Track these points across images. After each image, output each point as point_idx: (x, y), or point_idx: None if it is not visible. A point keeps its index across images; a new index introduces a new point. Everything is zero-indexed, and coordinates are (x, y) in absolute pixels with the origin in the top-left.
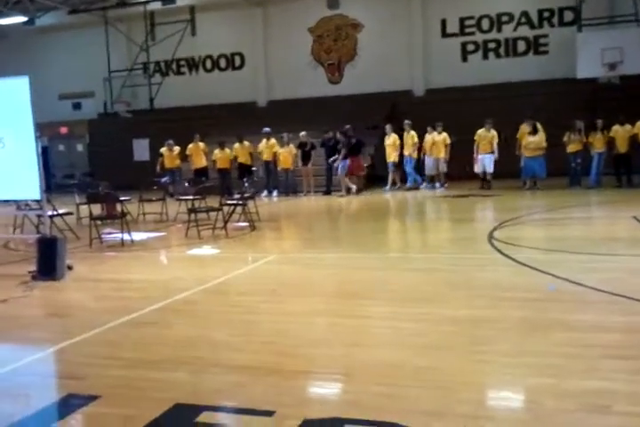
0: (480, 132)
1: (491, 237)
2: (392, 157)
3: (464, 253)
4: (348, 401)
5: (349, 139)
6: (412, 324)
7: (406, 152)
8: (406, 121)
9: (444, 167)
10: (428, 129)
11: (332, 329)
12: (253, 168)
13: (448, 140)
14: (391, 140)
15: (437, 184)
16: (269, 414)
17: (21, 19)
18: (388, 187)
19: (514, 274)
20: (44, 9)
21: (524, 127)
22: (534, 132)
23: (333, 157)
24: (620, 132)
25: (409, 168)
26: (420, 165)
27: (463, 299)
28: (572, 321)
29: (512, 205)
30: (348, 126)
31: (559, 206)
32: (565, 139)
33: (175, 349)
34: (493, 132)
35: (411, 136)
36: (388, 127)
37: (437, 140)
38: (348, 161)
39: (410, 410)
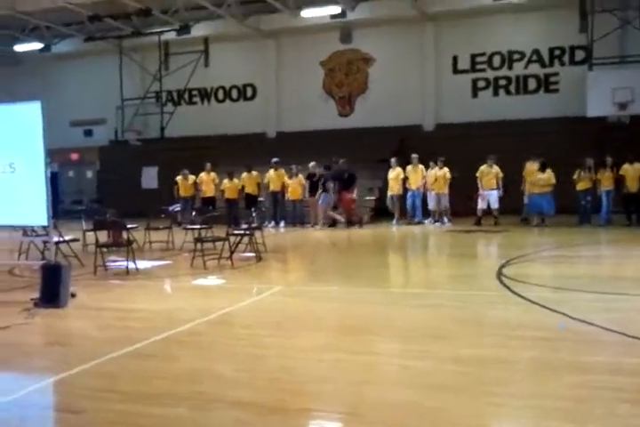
0: (482, 168)
1: (499, 273)
2: (395, 190)
3: (472, 290)
4: None
5: (342, 173)
6: (419, 362)
7: (414, 186)
8: (414, 155)
9: (446, 202)
10: (431, 164)
11: (337, 366)
12: (260, 199)
13: (449, 176)
14: (395, 173)
15: (444, 219)
16: None
17: (38, 45)
18: (395, 221)
19: (523, 312)
20: (60, 36)
21: (530, 164)
22: (543, 169)
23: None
24: (630, 172)
25: (418, 202)
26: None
27: (472, 337)
28: (585, 362)
29: (520, 242)
30: (341, 160)
31: (568, 244)
32: (575, 176)
33: (177, 383)
34: (496, 168)
35: (420, 170)
36: (393, 161)
37: (439, 175)
38: (330, 195)
39: None
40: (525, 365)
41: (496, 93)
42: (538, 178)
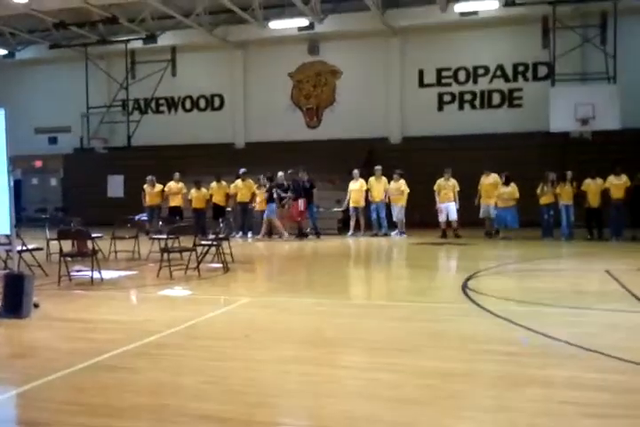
0: (439, 181)
1: (465, 286)
2: (360, 202)
3: (438, 303)
4: None
5: (302, 182)
6: (386, 375)
7: (377, 198)
8: (377, 167)
9: (401, 215)
10: (394, 177)
11: (304, 379)
12: (228, 209)
13: (404, 188)
14: (358, 185)
15: (396, 231)
16: None
17: (2, 52)
18: (351, 232)
19: (489, 326)
20: (25, 43)
21: (485, 178)
22: (507, 182)
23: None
24: (592, 187)
25: (382, 214)
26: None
27: (438, 350)
28: (549, 376)
29: (485, 255)
30: (300, 170)
31: (532, 258)
32: (539, 191)
33: (141, 395)
34: (453, 181)
35: (383, 182)
36: (355, 172)
37: (392, 187)
38: (274, 204)
39: None
40: (489, 378)
41: (461, 107)
42: (502, 192)
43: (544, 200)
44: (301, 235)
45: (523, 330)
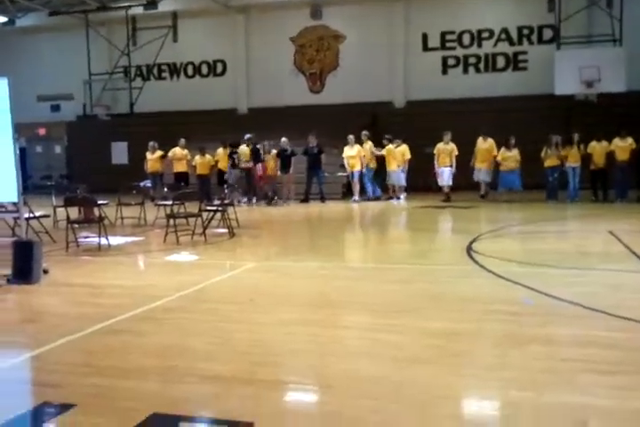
0: (439, 145)
1: (469, 248)
2: (357, 166)
3: (442, 265)
4: (327, 413)
5: (312, 148)
6: (390, 336)
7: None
8: (363, 132)
9: (400, 179)
10: (384, 142)
11: (309, 339)
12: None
13: (408, 155)
14: (355, 150)
15: (399, 196)
16: (249, 425)
17: (1, 19)
18: (357, 197)
19: (492, 287)
20: (24, 10)
21: (482, 142)
22: (512, 146)
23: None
24: (598, 149)
25: (366, 179)
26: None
27: (442, 311)
28: (551, 335)
29: (490, 218)
30: (310, 135)
31: (536, 220)
32: (542, 154)
33: (151, 357)
34: (452, 146)
35: (369, 147)
36: (351, 138)
37: (395, 152)
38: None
39: (390, 424)
40: (492, 338)
41: (466, 71)
42: (507, 155)
43: (548, 163)
44: (267, 199)
45: (526, 290)
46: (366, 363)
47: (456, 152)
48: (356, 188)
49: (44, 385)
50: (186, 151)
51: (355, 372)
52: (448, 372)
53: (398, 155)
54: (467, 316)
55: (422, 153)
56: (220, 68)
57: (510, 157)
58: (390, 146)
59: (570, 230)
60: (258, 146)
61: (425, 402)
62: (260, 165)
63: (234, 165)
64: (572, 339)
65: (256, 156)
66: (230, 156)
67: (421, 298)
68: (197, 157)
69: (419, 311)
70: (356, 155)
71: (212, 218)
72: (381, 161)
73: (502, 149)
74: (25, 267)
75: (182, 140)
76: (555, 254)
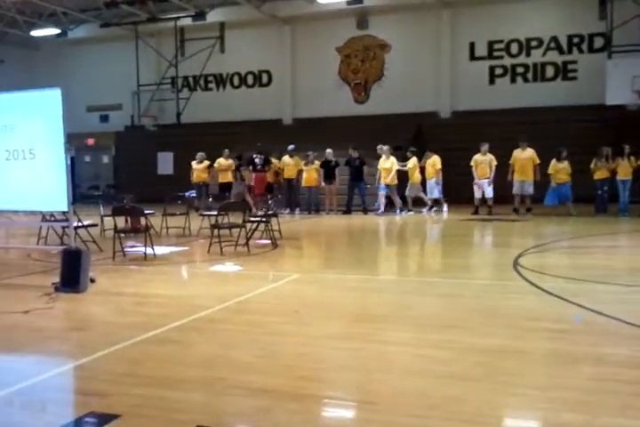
0: (476, 157)
1: (516, 263)
2: (389, 179)
3: (488, 280)
4: None
5: (354, 160)
6: (436, 351)
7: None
8: (383, 146)
9: (433, 191)
10: (427, 154)
11: (353, 354)
12: (274, 185)
13: (438, 165)
14: (389, 163)
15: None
16: None
17: (55, 31)
18: (398, 210)
19: (540, 303)
20: (76, 22)
21: (520, 153)
22: (562, 158)
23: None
24: None
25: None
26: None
27: (489, 327)
28: (603, 355)
29: (537, 232)
30: (351, 148)
31: (586, 234)
32: (592, 166)
33: (196, 368)
34: (490, 156)
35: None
36: (385, 149)
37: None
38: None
39: None
40: (542, 356)
41: (513, 81)
42: (559, 167)
43: (598, 175)
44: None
45: (575, 307)
46: (412, 379)
47: (495, 162)
48: (383, 200)
49: (90, 394)
50: (230, 161)
51: (400, 388)
52: (496, 390)
53: (428, 166)
54: (514, 333)
55: (467, 165)
56: (265, 78)
57: (562, 170)
58: (414, 159)
59: (620, 246)
60: (254, 156)
61: (472, 421)
62: (253, 176)
63: (240, 178)
64: (626, 359)
65: (252, 165)
66: (237, 169)
67: (468, 313)
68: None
69: (465, 327)
70: (389, 167)
71: (255, 229)
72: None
73: (553, 161)
74: (73, 275)
75: (226, 151)
76: (605, 270)
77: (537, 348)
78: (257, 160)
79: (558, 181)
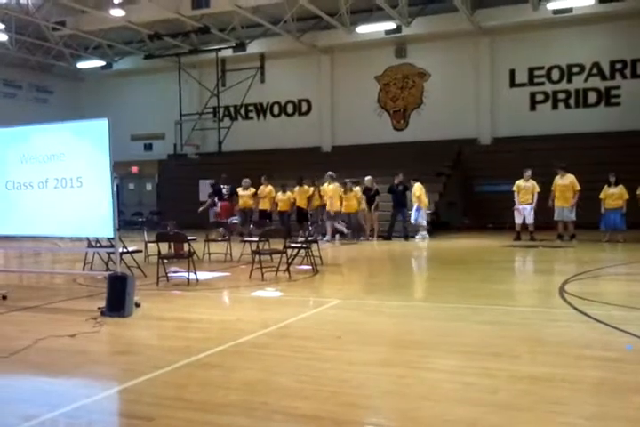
0: (519, 182)
1: (562, 290)
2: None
3: (534, 307)
4: None
5: (397, 186)
6: (482, 379)
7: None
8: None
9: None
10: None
11: (398, 381)
12: (310, 213)
13: (417, 193)
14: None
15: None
16: None
17: (100, 63)
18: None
19: (588, 331)
20: (121, 54)
21: (560, 179)
22: (613, 183)
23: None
24: None
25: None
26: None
27: (535, 355)
28: None
29: (584, 258)
30: (396, 175)
31: (634, 260)
32: (638, 192)
33: (240, 393)
34: (533, 183)
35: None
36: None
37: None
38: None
39: None
40: (590, 385)
41: (555, 107)
42: (611, 192)
43: None
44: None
45: (625, 335)
46: (456, 407)
47: (537, 189)
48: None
49: (135, 417)
50: (270, 188)
51: (445, 416)
52: (543, 419)
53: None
54: (562, 361)
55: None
56: (304, 107)
57: (613, 195)
58: (417, 184)
59: None
60: (222, 186)
61: None
62: (219, 204)
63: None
64: None
65: (218, 195)
66: (211, 196)
67: (513, 340)
68: (279, 194)
69: (511, 354)
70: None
71: (296, 255)
72: None
73: (605, 187)
74: (118, 300)
75: (264, 178)
76: None
77: (585, 376)
78: (224, 190)
79: (608, 206)
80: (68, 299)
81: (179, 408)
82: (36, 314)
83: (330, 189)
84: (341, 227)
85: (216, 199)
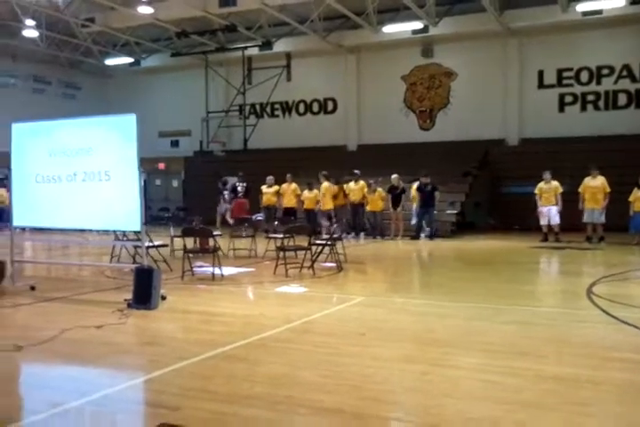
0: (540, 185)
1: (589, 292)
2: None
3: (560, 308)
4: None
5: (425, 185)
6: (506, 378)
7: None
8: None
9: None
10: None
11: (422, 378)
12: (331, 211)
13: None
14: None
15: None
16: None
17: (128, 60)
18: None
19: (615, 332)
20: (149, 51)
21: (590, 180)
22: None
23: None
24: None
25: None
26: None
27: (561, 355)
28: None
29: (612, 260)
30: (423, 174)
31: None
32: None
33: (264, 386)
34: (555, 184)
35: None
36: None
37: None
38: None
39: None
40: (616, 386)
41: (584, 108)
42: (639, 195)
43: None
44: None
45: None
46: (479, 404)
47: (560, 190)
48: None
49: (160, 407)
50: (294, 185)
51: (467, 413)
52: (567, 419)
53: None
54: (587, 362)
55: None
56: (330, 105)
57: None
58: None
59: None
60: (237, 184)
61: None
62: (234, 202)
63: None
64: None
65: (233, 192)
66: (220, 192)
67: (539, 341)
68: (305, 192)
69: (536, 354)
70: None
71: (320, 252)
72: None
73: (634, 190)
74: (145, 293)
75: (288, 176)
76: None
77: (611, 378)
78: (239, 188)
79: (637, 209)
80: (94, 291)
81: (204, 399)
82: (64, 305)
83: (323, 187)
84: (326, 223)
85: (226, 196)
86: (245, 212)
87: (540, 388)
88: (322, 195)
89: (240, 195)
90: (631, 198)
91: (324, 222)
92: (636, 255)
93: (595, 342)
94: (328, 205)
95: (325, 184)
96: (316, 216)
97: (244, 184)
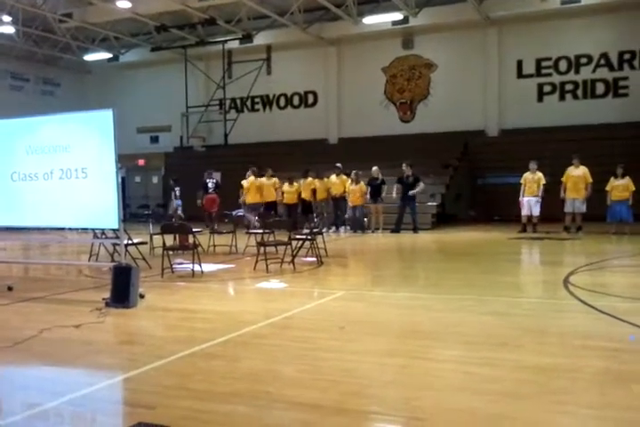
0: (526, 175)
1: (566, 282)
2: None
3: (538, 298)
4: None
5: (407, 177)
6: (485, 369)
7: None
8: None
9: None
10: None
11: (401, 371)
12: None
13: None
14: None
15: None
16: None
17: (106, 55)
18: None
19: (592, 322)
20: (128, 46)
21: (573, 170)
22: (620, 175)
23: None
24: None
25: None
26: None
27: (538, 345)
28: None
29: (590, 250)
30: (404, 164)
31: (639, 253)
32: None
33: (242, 382)
34: (539, 175)
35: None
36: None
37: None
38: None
39: None
40: (593, 375)
41: (562, 98)
42: (617, 184)
43: None
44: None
45: (628, 326)
46: (460, 396)
47: (543, 181)
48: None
49: (139, 406)
50: (274, 179)
51: (447, 405)
52: (546, 409)
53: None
54: (565, 351)
55: (517, 183)
56: (311, 99)
57: (618, 187)
58: None
59: None
60: (207, 180)
61: None
62: (205, 197)
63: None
64: None
65: (204, 188)
66: (172, 189)
67: (517, 331)
68: (286, 186)
69: (515, 345)
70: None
71: (300, 246)
72: None
73: (611, 179)
74: (123, 291)
75: (269, 170)
76: None
77: (588, 366)
78: (210, 184)
79: (614, 198)
80: (73, 290)
81: (181, 397)
82: (42, 305)
83: (337, 180)
84: (250, 217)
85: (177, 193)
86: (216, 206)
87: (519, 378)
88: (247, 189)
89: (210, 191)
90: (608, 188)
91: (249, 216)
92: (614, 244)
93: (571, 332)
94: (252, 199)
95: (252, 178)
96: (296, 210)
97: (214, 180)
